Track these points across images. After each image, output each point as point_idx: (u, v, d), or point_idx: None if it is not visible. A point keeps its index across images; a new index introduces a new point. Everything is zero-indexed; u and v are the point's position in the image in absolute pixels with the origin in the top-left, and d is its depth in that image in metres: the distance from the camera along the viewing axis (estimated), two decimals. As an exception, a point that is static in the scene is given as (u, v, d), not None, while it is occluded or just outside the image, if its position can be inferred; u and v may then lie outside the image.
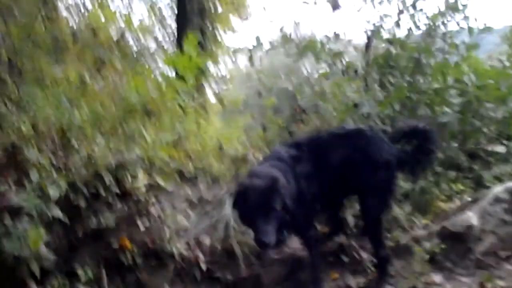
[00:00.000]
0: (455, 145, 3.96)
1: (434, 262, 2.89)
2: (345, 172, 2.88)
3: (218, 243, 3.28)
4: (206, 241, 3.33)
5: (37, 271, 3.02)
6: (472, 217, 2.95)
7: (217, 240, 3.31)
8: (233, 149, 4.54)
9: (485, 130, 3.90)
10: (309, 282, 2.89)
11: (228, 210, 3.47)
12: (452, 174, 3.78)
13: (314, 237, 2.97)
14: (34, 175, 3.37)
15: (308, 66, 6.61)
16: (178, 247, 3.22)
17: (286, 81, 6.17)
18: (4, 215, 3.36)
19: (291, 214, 2.61)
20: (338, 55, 4.84)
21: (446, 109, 3.88)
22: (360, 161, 2.90)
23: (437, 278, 2.78)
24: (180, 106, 5.18)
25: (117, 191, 3.54)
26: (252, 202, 2.52)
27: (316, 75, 5.57)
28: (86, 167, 3.72)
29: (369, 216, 2.97)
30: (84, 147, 4.11)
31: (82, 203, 3.47)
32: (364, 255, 3.17)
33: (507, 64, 4.12)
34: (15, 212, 3.41)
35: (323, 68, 5.16)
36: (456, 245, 2.92)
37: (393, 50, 4.74)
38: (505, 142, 3.91)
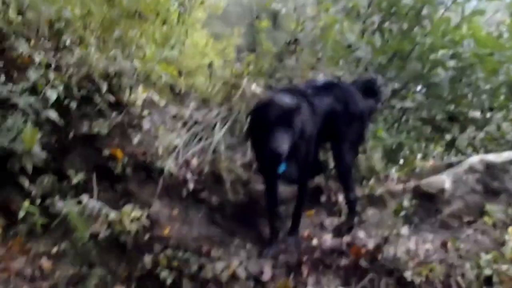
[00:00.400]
0: (440, 106, 4.13)
1: (403, 216, 3.15)
2: (327, 121, 3.06)
3: (207, 166, 3.40)
4: (195, 162, 3.44)
5: (29, 167, 3.07)
6: (446, 181, 3.19)
7: (205, 163, 3.42)
8: (224, 70, 4.53)
9: (471, 98, 4.08)
10: (289, 216, 3.11)
11: (218, 135, 3.58)
12: (431, 133, 4.00)
13: (308, 176, 3.15)
14: (32, 73, 3.30)
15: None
16: (168, 164, 3.32)
17: (281, 4, 6.02)
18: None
19: (300, 147, 2.76)
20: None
21: (440, 70, 3.99)
22: (339, 111, 3.14)
23: (404, 230, 3.04)
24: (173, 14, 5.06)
25: (111, 99, 3.54)
26: (274, 114, 2.60)
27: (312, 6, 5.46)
28: (79, 68, 3.65)
29: (342, 161, 3.21)
30: (77, 47, 4.00)
31: (74, 105, 3.46)
32: (340, 197, 3.40)
33: (506, 35, 4.20)
34: (3, 104, 3.38)
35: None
36: (426, 204, 3.18)
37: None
38: (490, 112, 4.11)
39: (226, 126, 3.68)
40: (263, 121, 2.62)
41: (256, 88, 3.98)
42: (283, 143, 2.53)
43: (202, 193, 3.30)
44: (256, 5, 7.82)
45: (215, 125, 3.69)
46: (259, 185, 3.32)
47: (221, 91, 4.14)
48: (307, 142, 2.83)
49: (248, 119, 2.89)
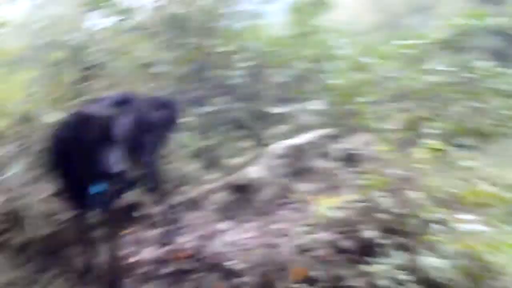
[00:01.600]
0: (241, 106, 4.31)
1: (221, 212, 3.18)
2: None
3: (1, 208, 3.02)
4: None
5: None
6: (253, 171, 3.34)
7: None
8: (15, 105, 4.12)
9: (266, 93, 4.35)
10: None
11: (13, 171, 3.22)
12: (238, 133, 4.15)
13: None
14: None
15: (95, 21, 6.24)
16: None
17: (70, 34, 5.73)
18: None
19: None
20: (127, 11, 4.75)
21: (234, 72, 4.19)
22: (138, 123, 2.99)
23: (224, 225, 3.07)
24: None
25: None
26: (93, 129, 2.31)
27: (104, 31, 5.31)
28: None
29: (148, 172, 3.16)
30: None
31: None
32: (156, 209, 3.29)
33: (289, 32, 4.59)
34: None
35: (112, 23, 4.97)
36: (240, 196, 3.27)
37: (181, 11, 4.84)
38: (284, 104, 4.39)
39: (22, 161, 3.32)
40: (81, 139, 2.32)
41: (54, 115, 3.70)
42: (115, 160, 2.26)
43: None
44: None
45: (9, 161, 3.31)
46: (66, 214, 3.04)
47: (11, 126, 3.74)
48: None
49: (51, 143, 2.56)
